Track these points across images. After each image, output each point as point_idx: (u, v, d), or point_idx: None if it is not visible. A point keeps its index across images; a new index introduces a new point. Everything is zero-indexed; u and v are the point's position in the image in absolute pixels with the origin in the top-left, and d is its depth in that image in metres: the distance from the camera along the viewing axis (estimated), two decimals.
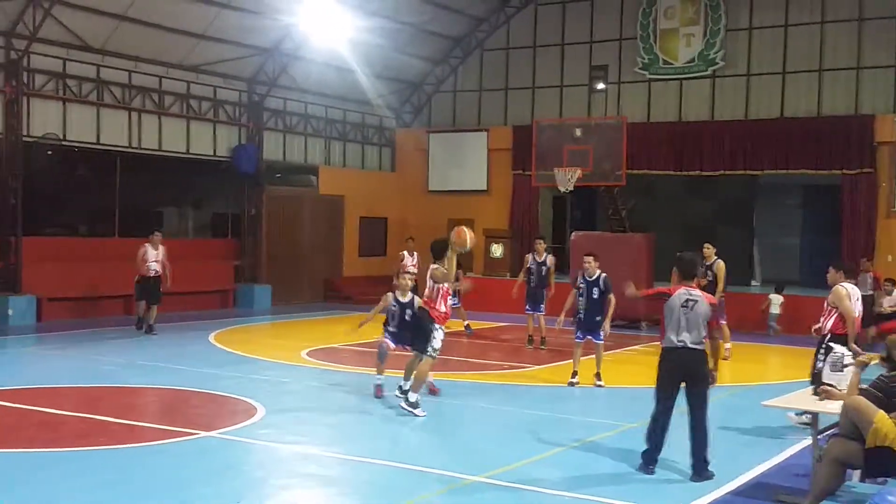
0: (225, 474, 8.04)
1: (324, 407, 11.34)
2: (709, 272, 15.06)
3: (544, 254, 16.94)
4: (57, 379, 12.61)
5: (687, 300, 8.31)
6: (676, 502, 7.53)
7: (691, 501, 7.47)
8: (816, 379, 10.76)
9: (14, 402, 10.70)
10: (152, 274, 17.15)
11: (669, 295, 8.39)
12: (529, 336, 16.87)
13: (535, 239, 17.86)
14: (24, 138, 18.78)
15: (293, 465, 8.58)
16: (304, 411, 10.94)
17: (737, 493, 7.81)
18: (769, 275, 24.91)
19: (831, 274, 10.45)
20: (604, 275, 12.92)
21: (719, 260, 15.53)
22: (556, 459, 8.84)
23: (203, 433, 9.35)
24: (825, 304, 10.35)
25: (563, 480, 8.06)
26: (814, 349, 10.37)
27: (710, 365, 8.48)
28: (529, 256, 17.10)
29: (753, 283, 24.54)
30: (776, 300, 20.04)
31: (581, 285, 12.98)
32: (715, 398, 11.78)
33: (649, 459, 8.35)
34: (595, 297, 12.86)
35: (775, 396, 8.72)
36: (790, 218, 26.53)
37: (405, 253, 17.90)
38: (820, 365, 10.57)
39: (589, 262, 13.01)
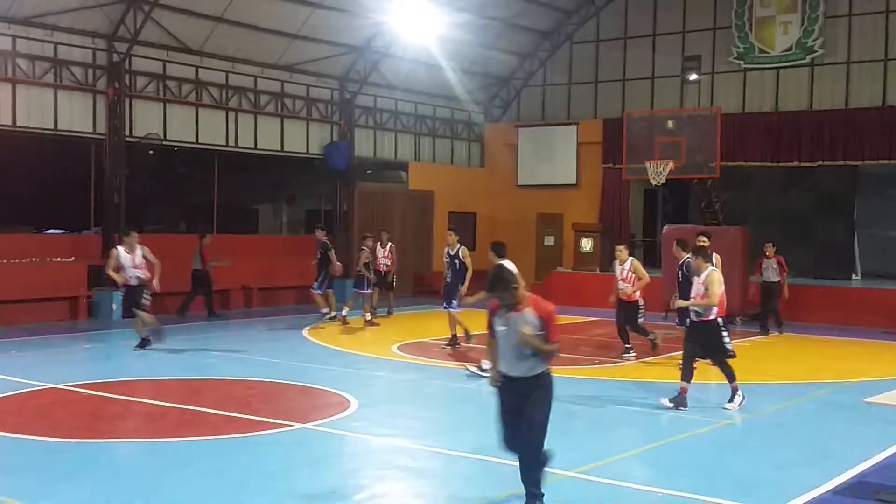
0: (319, 465, 8.22)
1: (415, 400, 11.49)
2: None
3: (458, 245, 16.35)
4: (159, 371, 13.03)
5: None
6: (772, 500, 7.38)
7: (787, 500, 7.31)
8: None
9: (119, 394, 11.13)
10: (383, 269, 19.38)
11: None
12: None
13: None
14: (127, 139, 19.45)
15: (385, 457, 8.71)
16: (395, 404, 11.08)
17: (836, 491, 7.61)
18: (870, 268, 24.08)
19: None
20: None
21: (715, 254, 15.43)
22: (649, 455, 8.77)
23: (299, 425, 9.57)
24: None
25: (655, 477, 8.00)
26: None
27: None
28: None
29: (854, 276, 23.74)
30: None
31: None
32: (816, 394, 11.59)
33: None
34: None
35: (878, 393, 8.47)
36: (893, 209, 25.59)
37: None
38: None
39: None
